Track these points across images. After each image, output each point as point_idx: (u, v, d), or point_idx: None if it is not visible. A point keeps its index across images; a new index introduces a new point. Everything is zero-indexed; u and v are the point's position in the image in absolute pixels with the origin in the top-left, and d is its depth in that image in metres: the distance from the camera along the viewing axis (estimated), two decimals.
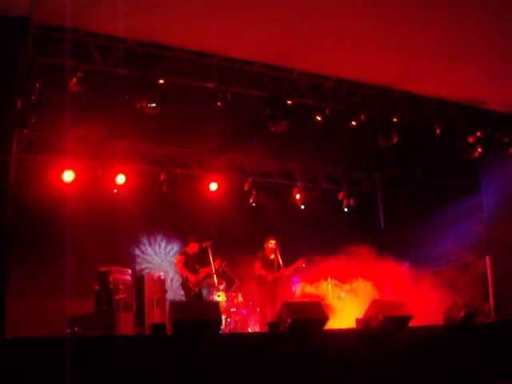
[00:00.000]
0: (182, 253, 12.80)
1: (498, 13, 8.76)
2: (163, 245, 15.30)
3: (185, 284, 12.40)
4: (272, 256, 12.74)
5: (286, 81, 10.88)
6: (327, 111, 11.14)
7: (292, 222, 15.59)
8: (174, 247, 15.33)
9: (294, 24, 9.08)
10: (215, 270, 12.28)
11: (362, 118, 11.48)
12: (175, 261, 13.22)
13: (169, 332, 7.98)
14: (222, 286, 12.88)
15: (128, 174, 13.73)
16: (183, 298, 12.62)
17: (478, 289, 11.98)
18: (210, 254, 12.34)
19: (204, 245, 12.49)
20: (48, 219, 12.77)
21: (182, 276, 12.58)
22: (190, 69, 10.20)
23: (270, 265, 12.65)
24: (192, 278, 12.28)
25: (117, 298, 11.64)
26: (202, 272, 12.46)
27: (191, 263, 12.46)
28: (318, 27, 9.16)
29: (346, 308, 12.13)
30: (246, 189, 15.07)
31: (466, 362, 9.70)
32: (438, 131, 12.01)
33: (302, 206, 15.60)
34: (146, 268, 14.83)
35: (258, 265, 12.63)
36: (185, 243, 13.16)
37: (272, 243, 12.76)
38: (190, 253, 12.60)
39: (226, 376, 7.74)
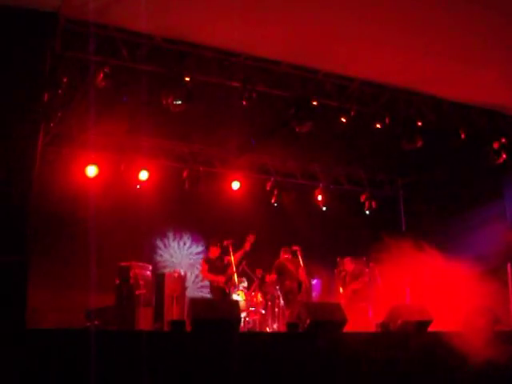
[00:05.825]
0: (205, 260, 12.70)
1: None
2: (184, 241, 15.31)
3: (213, 288, 12.36)
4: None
5: (312, 81, 10.86)
6: (352, 113, 11.11)
7: (313, 222, 15.58)
8: (195, 244, 15.37)
9: (320, 24, 9.09)
10: (236, 267, 12.25)
11: (387, 120, 11.43)
12: (200, 269, 13.24)
13: (188, 329, 8.00)
14: (242, 285, 12.88)
15: (151, 170, 13.78)
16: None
17: (499, 296, 11.86)
18: (231, 252, 12.35)
19: (225, 243, 12.50)
20: (71, 213, 12.85)
21: (209, 281, 12.53)
22: (216, 67, 10.24)
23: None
24: (220, 278, 12.21)
25: (137, 293, 11.69)
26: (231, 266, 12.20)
27: (215, 267, 12.40)
28: (343, 28, 9.17)
29: None
30: (267, 188, 15.07)
31: (484, 370, 9.63)
32: (462, 136, 11.92)
33: (324, 208, 15.57)
34: (166, 264, 14.89)
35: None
36: (206, 246, 13.08)
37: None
38: (212, 257, 12.57)
39: (244, 374, 7.75)
